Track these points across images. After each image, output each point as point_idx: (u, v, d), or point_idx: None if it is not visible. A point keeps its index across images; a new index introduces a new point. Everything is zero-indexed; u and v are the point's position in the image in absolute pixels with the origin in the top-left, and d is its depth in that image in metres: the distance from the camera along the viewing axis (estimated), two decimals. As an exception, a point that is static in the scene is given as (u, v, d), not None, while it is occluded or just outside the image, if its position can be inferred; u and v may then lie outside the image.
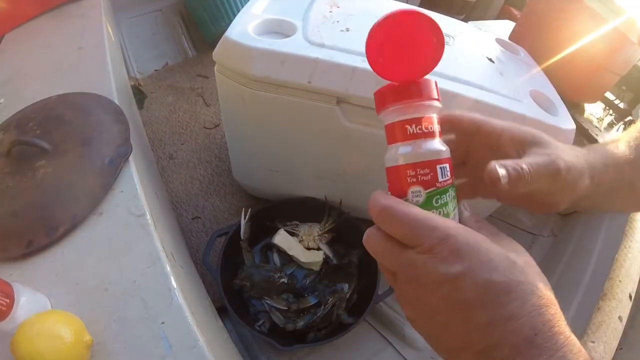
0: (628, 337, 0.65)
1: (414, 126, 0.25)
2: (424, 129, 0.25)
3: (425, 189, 0.25)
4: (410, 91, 0.25)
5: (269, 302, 0.75)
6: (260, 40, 0.60)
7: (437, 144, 0.25)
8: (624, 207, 0.37)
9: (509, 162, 0.27)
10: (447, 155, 0.26)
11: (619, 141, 0.34)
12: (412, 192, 0.25)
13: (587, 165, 0.30)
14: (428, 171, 0.25)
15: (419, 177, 0.25)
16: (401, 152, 0.25)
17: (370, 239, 0.26)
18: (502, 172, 0.26)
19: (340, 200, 0.83)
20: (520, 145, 0.29)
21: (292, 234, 0.84)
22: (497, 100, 0.63)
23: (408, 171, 0.25)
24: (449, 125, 0.31)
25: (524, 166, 0.27)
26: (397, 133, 0.25)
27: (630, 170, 0.32)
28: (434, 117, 0.26)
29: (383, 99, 0.26)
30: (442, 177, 0.25)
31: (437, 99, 0.26)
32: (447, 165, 0.25)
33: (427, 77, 0.26)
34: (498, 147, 0.30)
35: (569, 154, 0.29)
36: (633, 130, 0.35)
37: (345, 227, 0.83)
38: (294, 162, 0.79)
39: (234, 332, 0.78)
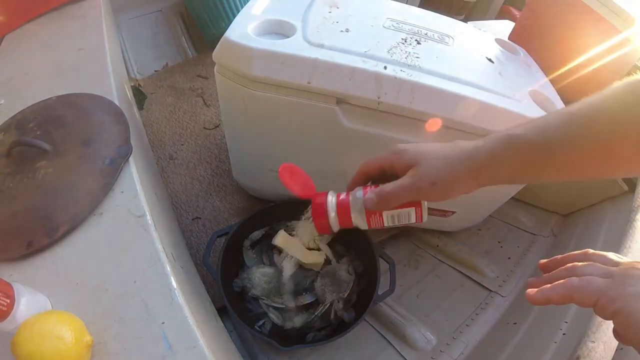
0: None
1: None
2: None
3: None
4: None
5: (266, 301, 0.75)
6: (260, 41, 0.60)
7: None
8: (557, 177, 0.37)
9: (376, 190, 0.39)
10: None
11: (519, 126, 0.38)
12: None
13: (465, 169, 0.37)
14: None
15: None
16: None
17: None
18: (370, 197, 0.39)
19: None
20: (406, 169, 0.39)
21: (292, 234, 0.84)
22: (496, 100, 0.63)
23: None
24: (364, 177, 0.43)
25: (387, 190, 0.38)
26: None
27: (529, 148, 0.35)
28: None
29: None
30: None
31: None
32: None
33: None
34: (397, 176, 0.40)
35: (438, 169, 0.37)
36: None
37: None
38: (294, 162, 0.79)
39: (234, 332, 0.78)
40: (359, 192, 0.41)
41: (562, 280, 0.32)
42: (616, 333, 0.31)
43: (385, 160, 0.41)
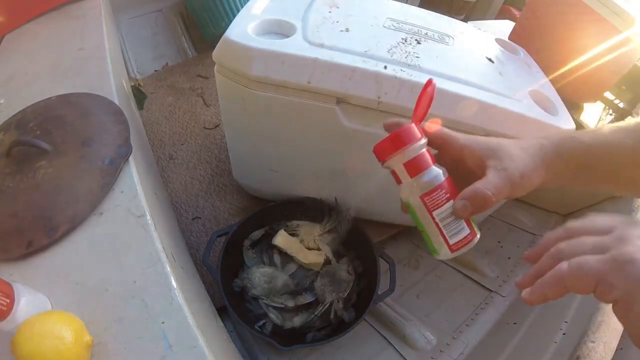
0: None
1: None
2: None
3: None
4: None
5: (266, 301, 0.75)
6: (260, 41, 0.60)
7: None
8: (606, 188, 0.38)
9: (467, 194, 0.33)
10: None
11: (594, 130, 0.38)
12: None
13: (540, 160, 0.35)
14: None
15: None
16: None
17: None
18: (462, 202, 0.33)
19: (336, 198, 0.83)
20: (480, 160, 0.35)
21: (292, 234, 0.84)
22: (496, 100, 0.63)
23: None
24: (422, 129, 0.37)
25: (487, 192, 0.33)
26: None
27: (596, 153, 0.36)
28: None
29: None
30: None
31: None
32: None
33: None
34: (461, 160, 0.36)
35: (522, 159, 0.35)
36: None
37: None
38: (294, 162, 0.79)
39: (234, 332, 0.78)
40: (436, 170, 0.35)
41: (550, 271, 0.27)
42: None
43: (458, 140, 0.36)
